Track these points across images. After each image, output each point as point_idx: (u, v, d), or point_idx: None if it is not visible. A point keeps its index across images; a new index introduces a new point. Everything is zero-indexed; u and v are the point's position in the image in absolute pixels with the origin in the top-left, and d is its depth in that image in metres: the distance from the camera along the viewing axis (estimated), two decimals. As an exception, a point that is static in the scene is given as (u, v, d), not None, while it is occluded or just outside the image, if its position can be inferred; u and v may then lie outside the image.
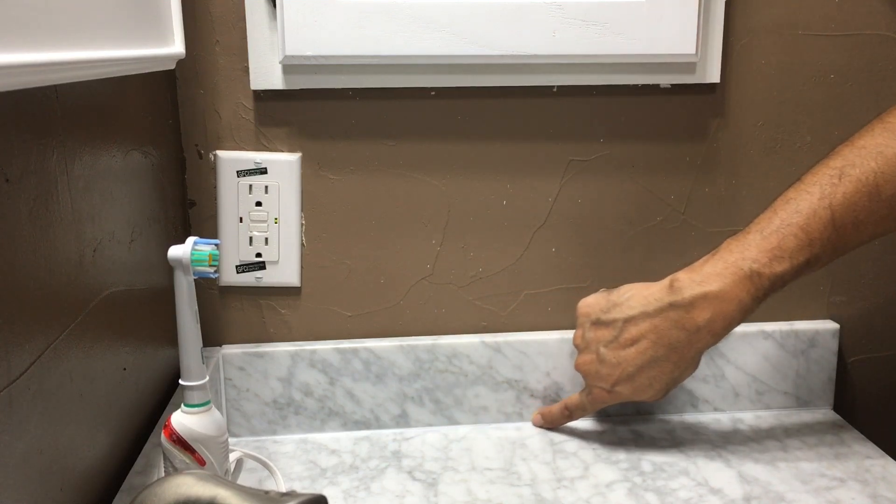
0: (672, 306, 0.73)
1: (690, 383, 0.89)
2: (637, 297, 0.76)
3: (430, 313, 0.88)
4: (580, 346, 0.81)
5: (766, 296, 0.72)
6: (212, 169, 0.83)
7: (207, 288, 0.85)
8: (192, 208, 0.84)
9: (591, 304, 0.81)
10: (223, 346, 0.86)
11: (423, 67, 0.81)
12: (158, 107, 0.77)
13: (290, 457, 0.83)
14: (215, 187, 0.83)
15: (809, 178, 0.72)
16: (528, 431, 0.87)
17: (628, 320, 0.76)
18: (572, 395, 0.85)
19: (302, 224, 0.85)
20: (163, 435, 0.63)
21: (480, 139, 0.85)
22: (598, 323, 0.79)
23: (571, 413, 0.85)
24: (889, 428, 0.94)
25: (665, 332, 0.74)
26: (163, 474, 0.65)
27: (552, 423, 0.87)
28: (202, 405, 0.63)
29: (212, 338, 0.86)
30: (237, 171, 0.83)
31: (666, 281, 0.75)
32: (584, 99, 0.84)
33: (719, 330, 0.73)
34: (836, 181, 0.70)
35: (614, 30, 0.79)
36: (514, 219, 0.87)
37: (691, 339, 0.73)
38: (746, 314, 0.72)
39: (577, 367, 0.81)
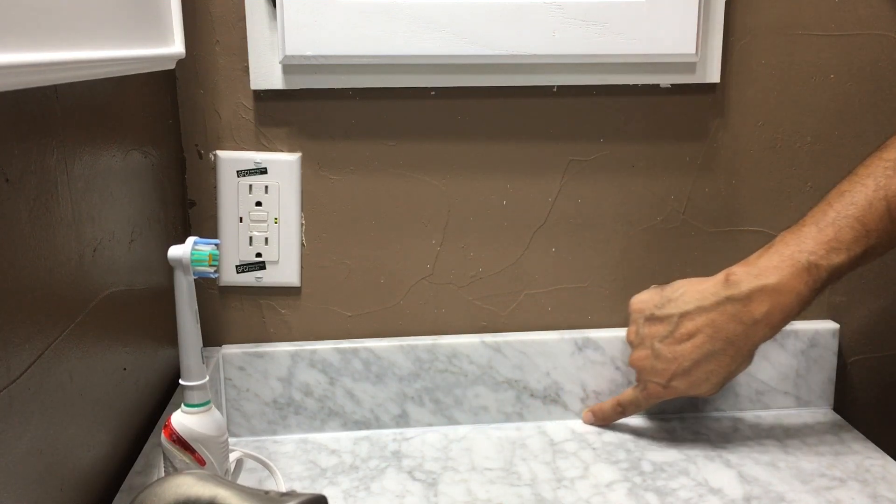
0: (729, 300, 0.74)
1: (690, 383, 0.89)
2: (691, 291, 0.77)
3: (430, 313, 0.88)
4: (634, 343, 0.82)
5: (823, 287, 0.72)
6: (212, 169, 0.83)
7: (207, 288, 0.85)
8: (192, 208, 0.84)
9: (645, 300, 0.81)
10: (223, 346, 0.86)
11: (423, 67, 0.81)
12: (158, 107, 0.77)
13: (290, 457, 0.83)
14: (215, 187, 0.83)
15: (862, 170, 0.73)
16: (528, 431, 0.87)
17: (684, 315, 0.76)
18: (625, 391, 0.85)
19: (302, 224, 0.85)
20: (163, 435, 0.63)
21: (480, 139, 0.85)
22: (652, 318, 0.79)
23: (624, 409, 0.85)
24: (889, 428, 0.94)
25: (722, 326, 0.74)
26: (163, 474, 0.65)
27: (604, 421, 0.87)
28: (202, 405, 0.63)
29: (212, 338, 0.86)
30: (237, 171, 0.83)
31: (721, 275, 0.76)
32: (584, 99, 0.84)
33: (777, 322, 0.73)
34: (891, 173, 0.70)
35: (614, 30, 0.79)
36: (514, 219, 0.87)
37: (748, 333, 0.74)
38: (804, 306, 0.73)
39: (632, 363, 0.82)
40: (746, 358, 0.76)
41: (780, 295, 0.72)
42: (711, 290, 0.75)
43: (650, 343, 0.79)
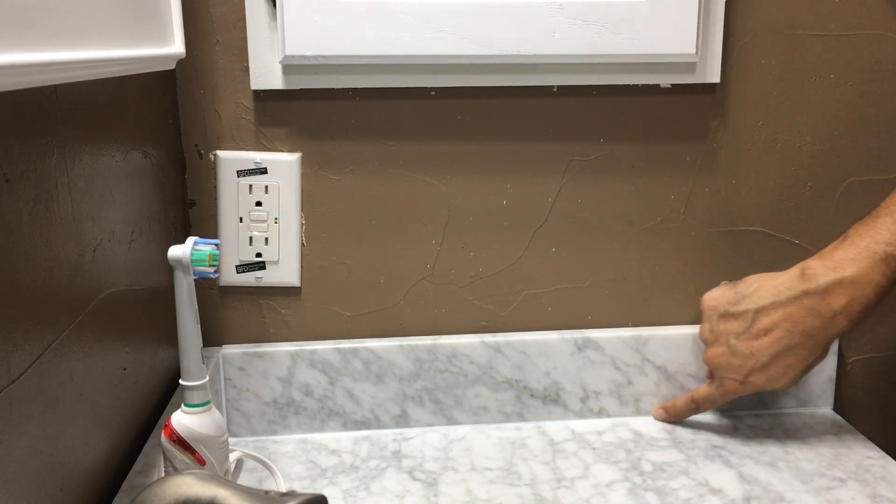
0: (806, 294, 0.75)
1: (690, 383, 0.89)
2: (766, 287, 0.78)
3: (430, 313, 0.88)
4: (709, 340, 0.82)
5: None
6: (212, 169, 0.83)
7: (207, 288, 0.85)
8: (192, 208, 0.84)
9: (717, 297, 0.82)
10: (223, 346, 0.86)
11: (423, 67, 0.81)
12: (158, 107, 0.77)
13: (290, 457, 0.83)
14: (215, 187, 0.83)
15: None
16: (528, 431, 0.87)
17: (759, 310, 0.77)
18: (698, 387, 0.86)
19: (302, 224, 0.85)
20: (163, 435, 0.63)
21: (480, 139, 0.85)
22: (726, 315, 0.80)
23: (699, 406, 0.85)
24: (889, 428, 0.94)
25: (799, 320, 0.75)
26: (163, 474, 0.65)
27: (677, 417, 0.88)
28: (202, 405, 0.63)
29: (212, 338, 0.86)
30: (237, 171, 0.83)
31: (796, 269, 0.76)
32: (584, 99, 0.84)
33: (856, 314, 0.74)
34: None
35: (614, 30, 0.79)
36: (514, 219, 0.87)
37: (827, 326, 0.75)
38: (883, 297, 0.73)
39: (708, 360, 0.82)
40: (824, 351, 0.77)
41: (858, 287, 0.73)
42: (787, 284, 0.76)
43: (726, 339, 0.79)
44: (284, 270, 0.85)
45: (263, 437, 0.86)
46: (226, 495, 0.46)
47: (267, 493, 0.48)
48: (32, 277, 0.51)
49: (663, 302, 0.90)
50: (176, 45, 0.70)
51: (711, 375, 0.84)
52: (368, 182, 0.84)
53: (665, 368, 0.89)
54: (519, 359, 0.87)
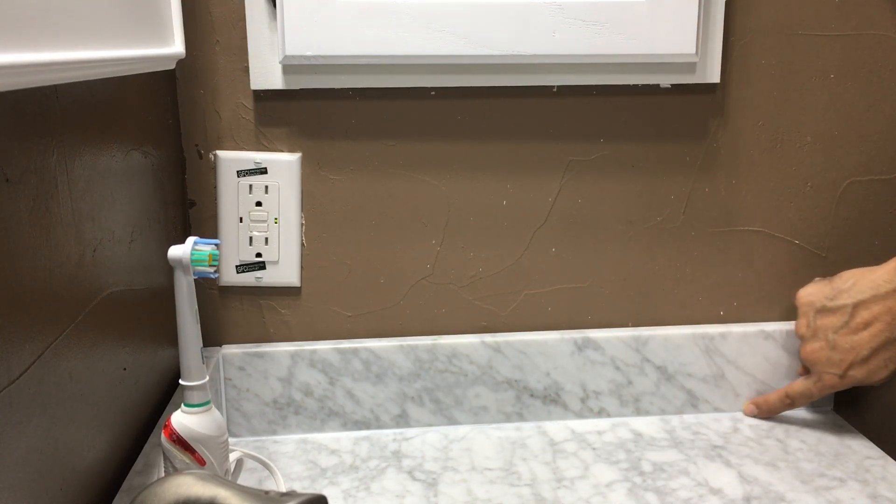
0: None
1: (690, 383, 0.89)
2: (864, 281, 0.78)
3: (430, 313, 0.88)
4: (806, 336, 0.82)
5: None
6: (212, 169, 0.83)
7: (207, 288, 0.85)
8: (192, 208, 0.84)
9: (813, 292, 0.83)
10: (223, 346, 0.86)
11: (423, 67, 0.81)
12: (158, 107, 0.77)
13: (290, 457, 0.83)
14: (215, 187, 0.83)
15: None
16: (527, 431, 0.87)
17: (858, 304, 0.78)
18: (793, 382, 0.86)
19: (302, 224, 0.85)
20: (163, 435, 0.63)
21: (480, 139, 0.85)
22: (824, 310, 0.80)
23: (794, 401, 0.86)
24: (889, 428, 0.94)
25: None
26: (163, 474, 0.65)
27: (769, 413, 0.88)
28: (202, 405, 0.63)
29: (212, 338, 0.86)
30: (237, 171, 0.83)
31: (893, 263, 0.77)
32: (584, 99, 0.84)
33: None
34: None
35: (614, 30, 0.79)
36: (514, 219, 0.87)
37: None
38: None
39: (806, 356, 0.82)
40: None
41: None
42: (885, 277, 0.77)
43: (824, 335, 0.80)
44: (284, 270, 0.85)
45: (263, 437, 0.86)
46: (226, 495, 0.46)
47: (267, 493, 0.48)
48: (32, 277, 0.51)
49: (663, 302, 0.90)
50: (176, 45, 0.70)
51: (805, 371, 0.85)
52: (369, 182, 0.84)
53: (665, 368, 0.89)
54: (519, 359, 0.87)
